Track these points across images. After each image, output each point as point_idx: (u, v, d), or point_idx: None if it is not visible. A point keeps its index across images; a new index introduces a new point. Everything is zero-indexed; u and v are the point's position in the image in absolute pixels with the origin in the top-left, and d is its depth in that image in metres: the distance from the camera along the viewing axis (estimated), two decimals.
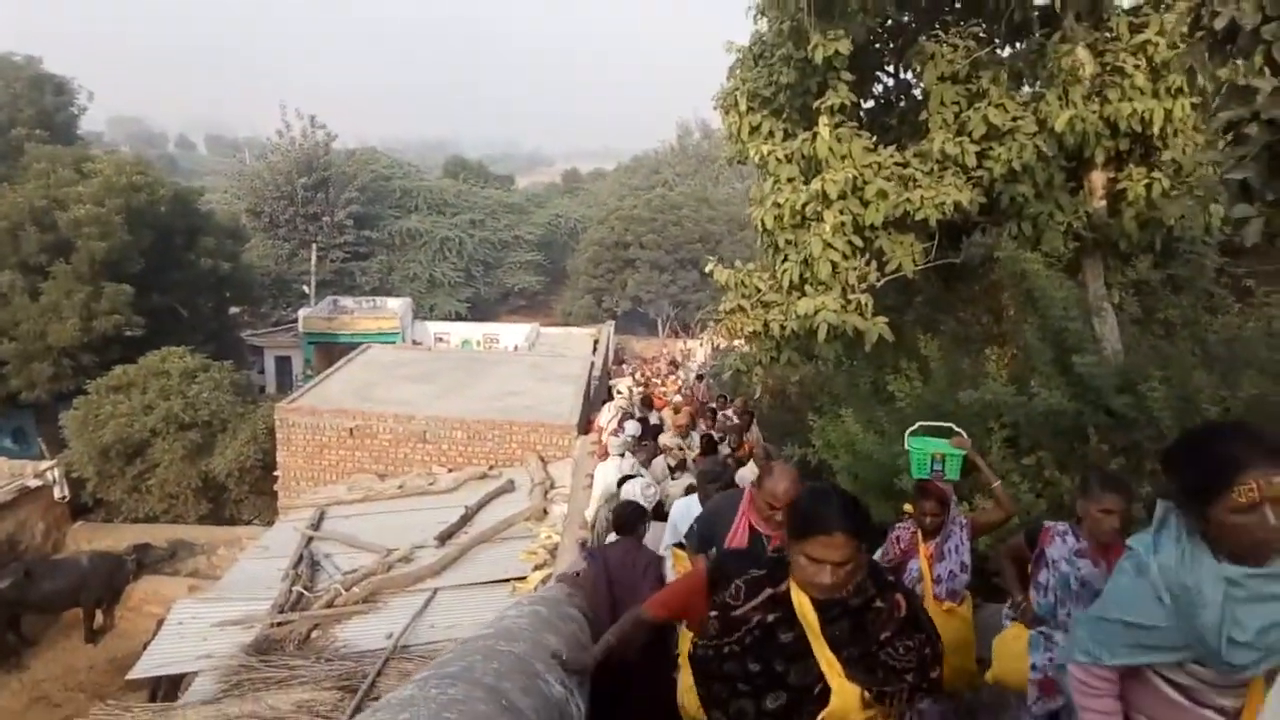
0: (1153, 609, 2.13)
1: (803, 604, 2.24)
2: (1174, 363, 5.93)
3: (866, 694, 2.21)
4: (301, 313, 31.97)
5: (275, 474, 15.52)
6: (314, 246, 39.85)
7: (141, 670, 8.80)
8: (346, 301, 34.62)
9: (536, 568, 9.49)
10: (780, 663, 2.24)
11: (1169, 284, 8.22)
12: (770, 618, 2.28)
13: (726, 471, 5.57)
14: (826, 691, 2.21)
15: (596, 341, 29.35)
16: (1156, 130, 7.02)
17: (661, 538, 5.31)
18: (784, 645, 2.25)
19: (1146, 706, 2.28)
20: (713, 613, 2.36)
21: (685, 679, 3.61)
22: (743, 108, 8.84)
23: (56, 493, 15.71)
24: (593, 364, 20.58)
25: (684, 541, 4.61)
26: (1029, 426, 6.13)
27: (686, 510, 4.84)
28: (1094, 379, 5.87)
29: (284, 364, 32.06)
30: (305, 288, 38.61)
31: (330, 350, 27.89)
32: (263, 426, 16.96)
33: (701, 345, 31.83)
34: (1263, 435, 2.03)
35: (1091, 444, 5.75)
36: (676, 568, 4.67)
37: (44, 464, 16.10)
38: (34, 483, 15.16)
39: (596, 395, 18.19)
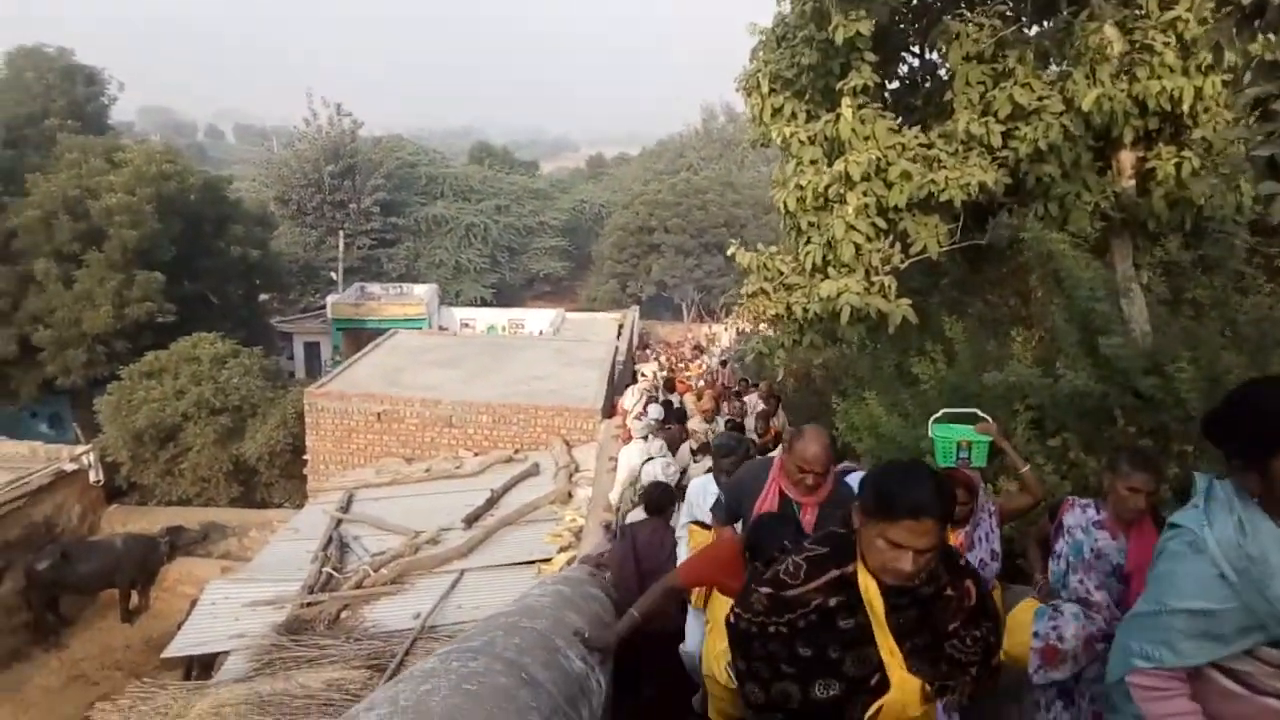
0: (1216, 590, 1.93)
1: (870, 589, 2.05)
2: (1203, 344, 5.83)
3: (928, 687, 2.07)
4: (329, 299, 32.33)
5: (305, 458, 15.72)
6: (341, 234, 40.24)
7: (176, 649, 9.01)
8: (374, 288, 34.91)
9: (561, 550, 9.57)
10: (836, 649, 2.05)
11: (1199, 264, 8.08)
12: (832, 602, 2.07)
13: (741, 445, 5.53)
14: (883, 683, 2.05)
15: (621, 326, 29.34)
16: (1186, 108, 6.87)
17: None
18: (843, 632, 2.06)
19: (1200, 700, 2.08)
20: (763, 589, 2.16)
21: (715, 644, 3.60)
22: (765, 90, 8.75)
23: (92, 476, 15.99)
24: (617, 349, 20.59)
25: (701, 519, 4.61)
26: (1054, 408, 6.07)
27: (702, 489, 4.82)
28: (1121, 360, 5.79)
29: (313, 350, 32.45)
30: (333, 274, 38.96)
31: (358, 336, 28.18)
32: (292, 411, 17.19)
33: (726, 330, 31.79)
34: None
35: (1118, 426, 5.68)
36: (692, 545, 4.67)
37: (79, 448, 16.36)
38: (70, 467, 15.45)
39: (621, 380, 18.22)
